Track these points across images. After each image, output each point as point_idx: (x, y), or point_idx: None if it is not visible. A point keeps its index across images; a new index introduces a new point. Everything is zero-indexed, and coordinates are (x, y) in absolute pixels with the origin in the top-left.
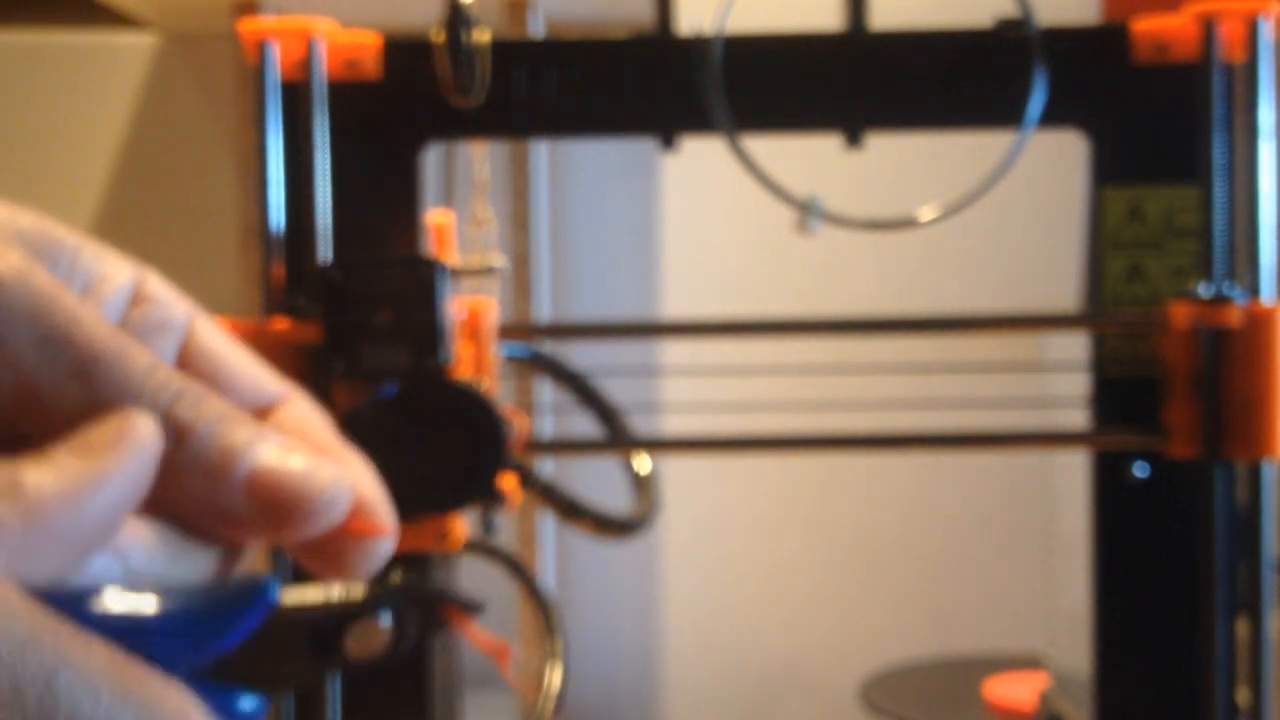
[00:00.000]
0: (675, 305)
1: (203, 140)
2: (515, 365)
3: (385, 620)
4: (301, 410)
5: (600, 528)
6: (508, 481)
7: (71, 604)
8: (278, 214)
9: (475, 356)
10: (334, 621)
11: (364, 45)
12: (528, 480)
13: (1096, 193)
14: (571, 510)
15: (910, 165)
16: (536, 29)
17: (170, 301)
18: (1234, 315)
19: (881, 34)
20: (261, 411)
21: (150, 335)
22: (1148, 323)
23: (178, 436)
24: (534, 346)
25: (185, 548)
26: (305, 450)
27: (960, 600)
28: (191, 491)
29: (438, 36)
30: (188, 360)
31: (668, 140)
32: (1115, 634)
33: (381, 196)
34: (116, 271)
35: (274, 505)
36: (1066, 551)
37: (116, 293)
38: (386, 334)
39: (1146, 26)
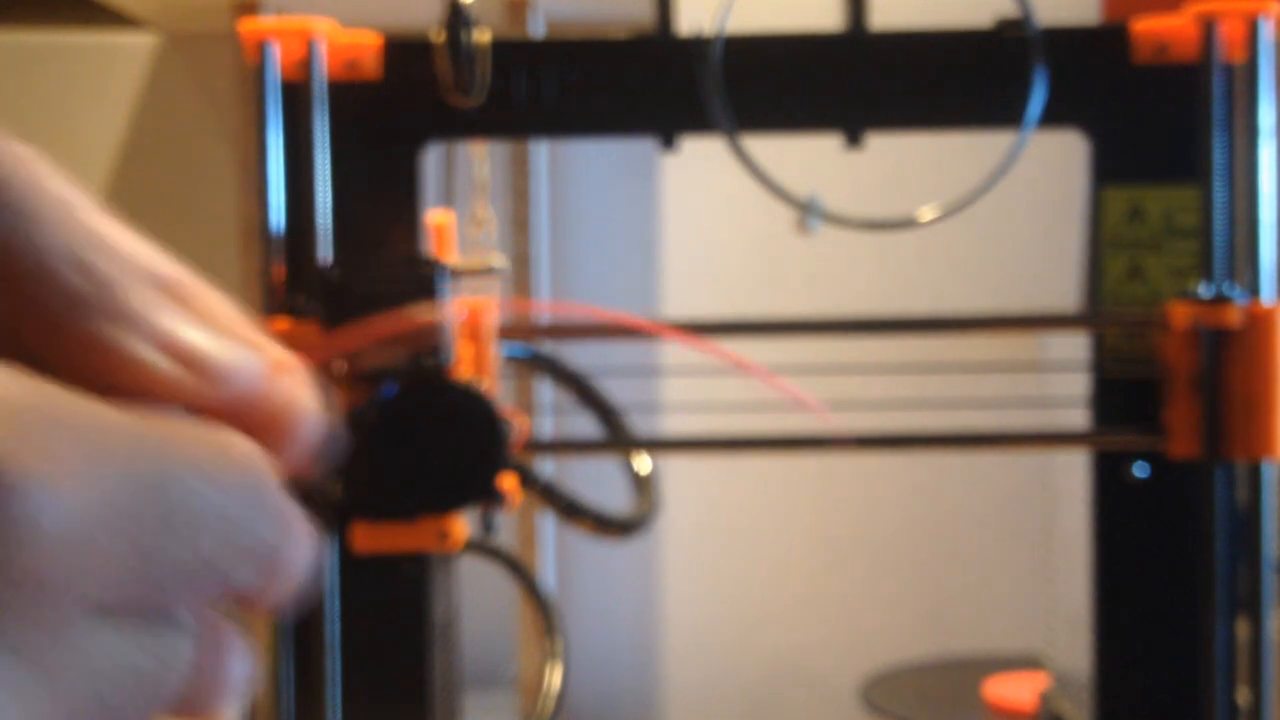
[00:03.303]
0: (675, 305)
1: (203, 140)
2: (515, 365)
3: None
4: (210, 293)
5: (600, 528)
6: (508, 481)
7: None
8: (278, 214)
9: (475, 356)
10: None
11: (364, 45)
12: (528, 480)
13: (1096, 193)
14: (571, 510)
15: (910, 165)
16: (536, 29)
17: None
18: (1234, 315)
19: (881, 34)
20: (168, 290)
21: None
22: (1148, 323)
23: (101, 285)
24: (534, 346)
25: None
26: (222, 330)
27: (960, 600)
28: (106, 345)
29: (438, 36)
30: None
31: (668, 140)
32: (1115, 634)
33: (381, 196)
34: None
35: (190, 363)
36: (1066, 551)
37: None
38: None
39: (1146, 26)
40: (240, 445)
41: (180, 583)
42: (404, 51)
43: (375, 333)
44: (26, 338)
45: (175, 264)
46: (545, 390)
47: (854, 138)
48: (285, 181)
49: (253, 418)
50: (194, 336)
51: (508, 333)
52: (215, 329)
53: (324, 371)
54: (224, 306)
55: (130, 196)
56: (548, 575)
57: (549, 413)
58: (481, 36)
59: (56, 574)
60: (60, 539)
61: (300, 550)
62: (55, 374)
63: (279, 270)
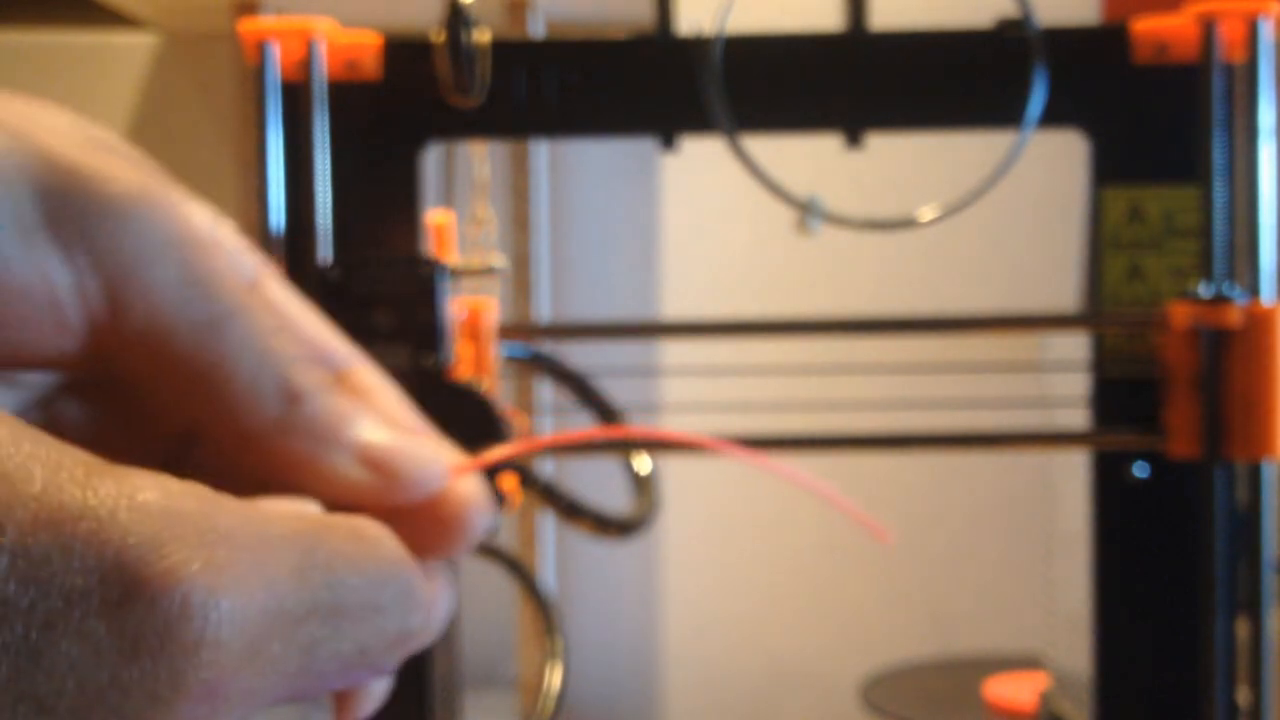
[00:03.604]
0: (675, 305)
1: (203, 140)
2: (515, 365)
3: None
4: (372, 377)
5: (600, 528)
6: (508, 481)
7: None
8: (278, 214)
9: (475, 356)
10: None
11: (364, 45)
12: (528, 480)
13: (1096, 193)
14: (571, 510)
15: (910, 165)
16: (536, 29)
17: (242, 250)
18: (1234, 315)
19: (881, 34)
20: (334, 373)
21: None
22: (1148, 323)
23: (291, 399)
24: (534, 346)
25: None
26: (404, 431)
27: (960, 600)
28: (299, 455)
29: (438, 36)
30: None
31: (668, 140)
32: (1115, 634)
33: (381, 196)
34: (196, 212)
35: (382, 470)
36: (1066, 551)
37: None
38: (386, 334)
39: (1146, 26)
40: (383, 535)
41: (338, 674)
42: (404, 51)
43: (548, 443)
44: (218, 439)
45: (341, 340)
46: (545, 390)
47: (854, 138)
48: (285, 181)
49: (431, 515)
50: (385, 442)
51: (508, 333)
52: (392, 424)
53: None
54: (387, 390)
55: None
56: (548, 575)
57: (549, 413)
58: (481, 36)
59: (232, 683)
60: (235, 649)
61: (437, 624)
62: (245, 473)
63: (279, 270)
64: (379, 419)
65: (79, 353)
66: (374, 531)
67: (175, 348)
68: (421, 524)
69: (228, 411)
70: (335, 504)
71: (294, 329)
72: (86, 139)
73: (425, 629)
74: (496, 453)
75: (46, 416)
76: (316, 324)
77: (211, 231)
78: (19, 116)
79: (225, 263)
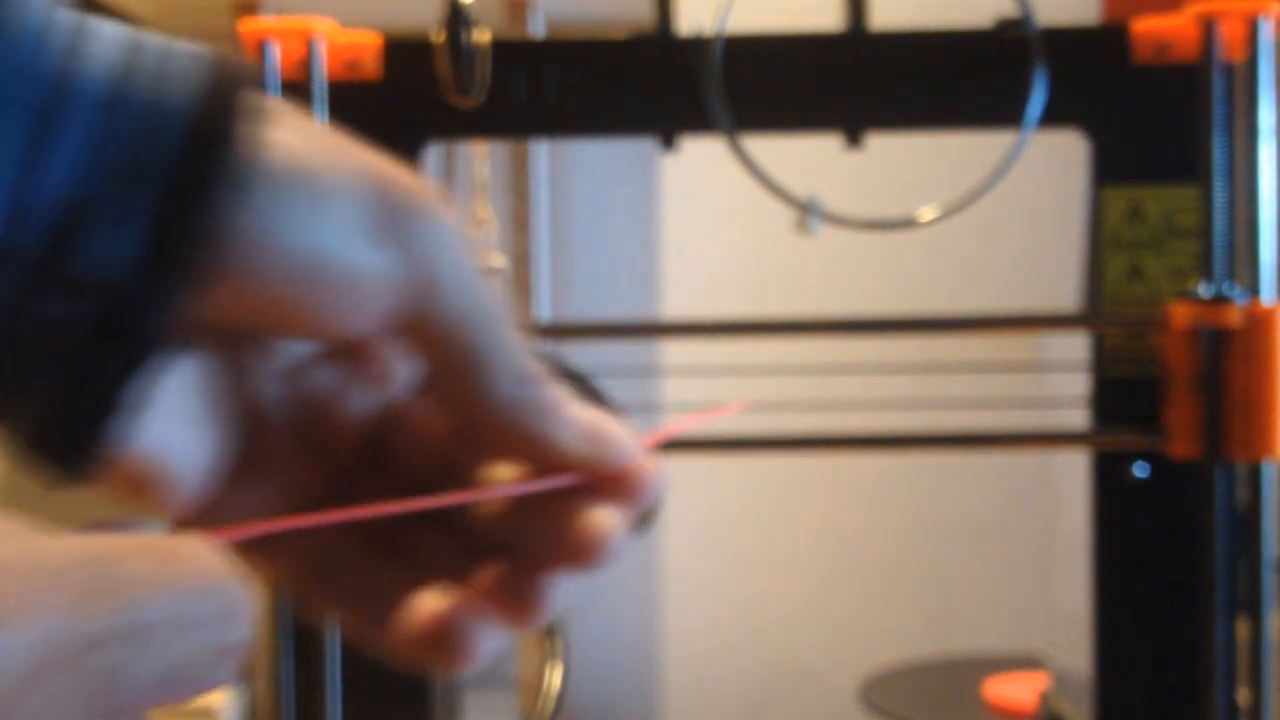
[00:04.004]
0: (675, 305)
1: None
2: None
3: None
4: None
5: None
6: None
7: None
8: None
9: None
10: None
11: (364, 45)
12: None
13: (1096, 193)
14: None
15: (910, 165)
16: (536, 29)
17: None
18: (1234, 315)
19: (881, 34)
20: None
21: None
22: (1148, 323)
23: (525, 383)
24: (534, 346)
25: None
26: (601, 413)
27: (960, 600)
28: (530, 429)
29: (438, 36)
30: None
31: (668, 140)
32: (1115, 634)
33: None
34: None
35: (595, 443)
36: (1066, 551)
37: None
38: None
39: (1146, 26)
40: (197, 552)
41: (153, 691)
42: (404, 51)
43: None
44: (463, 409)
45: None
46: None
47: (854, 138)
48: None
49: (624, 481)
50: (594, 421)
51: None
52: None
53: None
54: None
55: None
56: None
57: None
58: (481, 36)
59: (14, 712)
60: (10, 681)
61: (247, 632)
62: (470, 442)
63: None
64: (584, 406)
65: (372, 330)
66: (186, 549)
67: (451, 332)
68: (616, 486)
69: (478, 387)
70: (549, 470)
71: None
72: (378, 155)
73: (242, 639)
74: (670, 430)
75: (293, 384)
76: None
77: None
78: (340, 138)
79: (482, 264)
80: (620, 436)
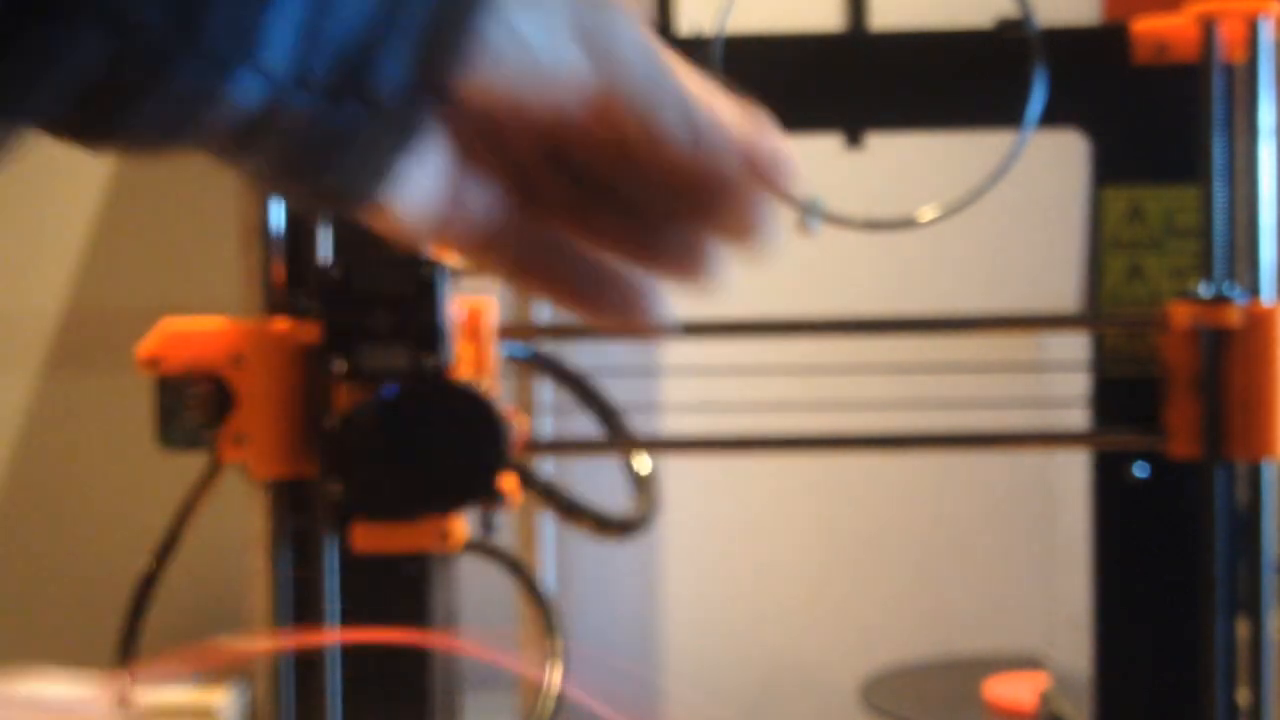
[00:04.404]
0: (675, 305)
1: None
2: (515, 365)
3: None
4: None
5: (600, 528)
6: (508, 481)
7: None
8: (278, 214)
9: (475, 356)
10: None
11: None
12: (528, 480)
13: (1096, 193)
14: (571, 510)
15: (910, 165)
16: None
17: None
18: (1234, 315)
19: (881, 34)
20: None
21: None
22: (1148, 323)
23: (698, 131)
24: (534, 346)
25: None
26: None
27: (960, 600)
28: (706, 166)
29: None
30: None
31: None
32: (1115, 634)
33: None
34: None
35: (755, 165)
36: (1066, 551)
37: None
38: (386, 334)
39: (1146, 26)
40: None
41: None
42: None
43: None
44: (653, 169)
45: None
46: (545, 390)
47: (854, 138)
48: None
49: (762, 155)
50: (750, 141)
51: (508, 333)
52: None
53: None
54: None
55: (130, 197)
56: (548, 575)
57: (549, 413)
58: None
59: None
60: None
61: (763, 147)
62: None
63: (279, 270)
64: (733, 124)
65: (578, 113)
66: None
67: (633, 101)
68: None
69: (654, 128)
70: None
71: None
72: None
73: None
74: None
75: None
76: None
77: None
78: None
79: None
80: (769, 146)
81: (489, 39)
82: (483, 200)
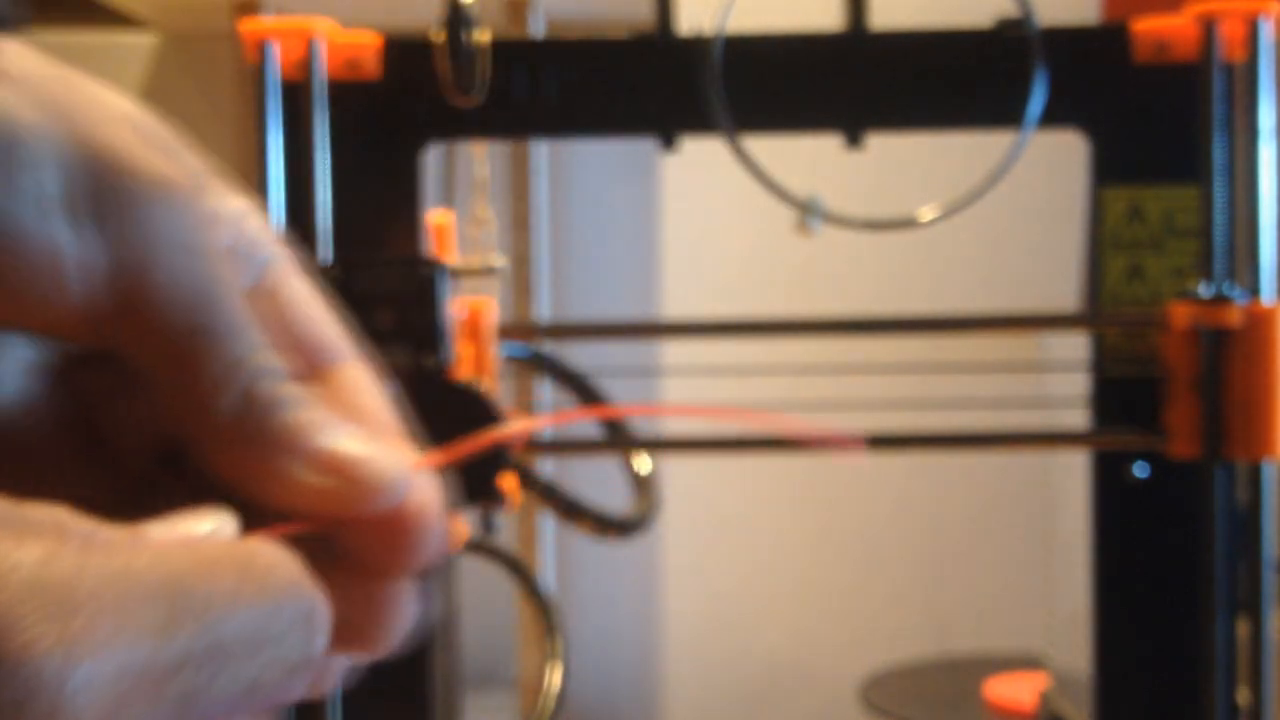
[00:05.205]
0: (675, 305)
1: (203, 140)
2: (515, 365)
3: None
4: (359, 377)
5: (600, 528)
6: (508, 481)
7: None
8: (278, 214)
9: (475, 356)
10: None
11: (364, 45)
12: (528, 480)
13: (1096, 193)
14: (571, 510)
15: (910, 165)
16: (536, 29)
17: (259, 241)
18: (1234, 315)
19: (881, 34)
20: (320, 370)
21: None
22: (1148, 323)
23: (250, 409)
24: (534, 346)
25: None
26: (371, 437)
27: (960, 600)
28: (258, 462)
29: (438, 36)
30: (255, 300)
31: (668, 140)
32: (1115, 634)
33: (381, 196)
34: (222, 209)
35: (340, 478)
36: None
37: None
38: (386, 334)
39: (1146, 26)
40: (276, 561)
41: (231, 711)
42: (404, 51)
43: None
44: (193, 439)
45: (340, 334)
46: (545, 390)
47: (854, 138)
48: (285, 181)
49: (392, 524)
50: (349, 450)
51: (508, 333)
52: (366, 430)
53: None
54: (370, 390)
55: None
56: (548, 575)
57: (549, 413)
58: (481, 36)
59: None
60: (92, 716)
61: (324, 641)
62: (219, 474)
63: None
64: (350, 429)
65: (77, 326)
66: (265, 559)
67: (162, 344)
68: (379, 534)
69: (197, 413)
70: (296, 512)
71: (291, 325)
72: (132, 126)
73: (321, 650)
74: (463, 448)
75: (60, 381)
76: (318, 318)
77: (230, 231)
78: (71, 95)
79: (229, 270)
80: (381, 474)
81: None
82: None
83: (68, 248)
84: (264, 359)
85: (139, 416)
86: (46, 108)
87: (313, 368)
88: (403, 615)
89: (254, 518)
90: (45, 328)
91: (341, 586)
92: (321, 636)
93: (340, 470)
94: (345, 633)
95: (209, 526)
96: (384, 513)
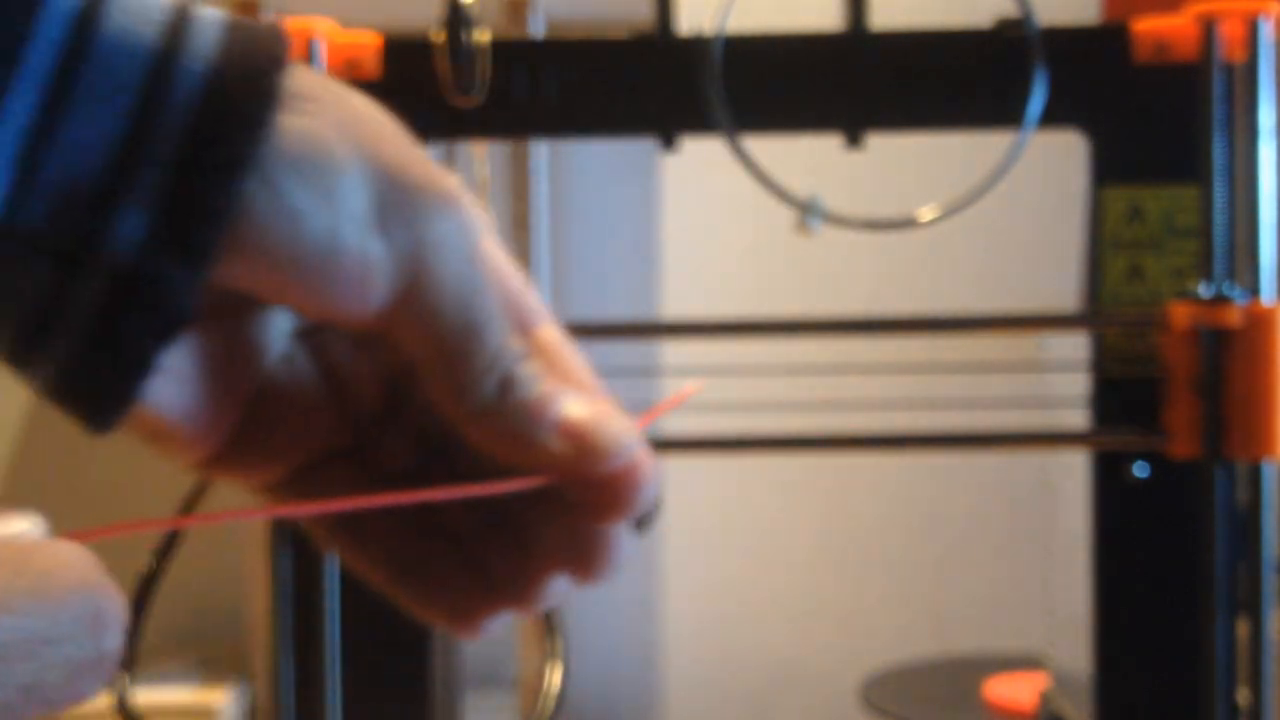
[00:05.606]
0: (675, 305)
1: None
2: None
3: None
4: (556, 336)
5: None
6: None
7: None
8: None
9: None
10: None
11: (364, 45)
12: None
13: (1096, 193)
14: None
15: (910, 165)
16: (536, 29)
17: (490, 232)
18: (1234, 315)
19: (881, 34)
20: (529, 333)
21: None
22: (1148, 323)
23: (506, 389)
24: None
25: None
26: (592, 401)
27: (960, 600)
28: (510, 432)
29: (438, 36)
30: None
31: (668, 140)
32: (1115, 634)
33: None
34: (479, 214)
35: (581, 444)
36: (1066, 551)
37: None
38: None
39: (1146, 26)
40: (60, 561)
41: (8, 711)
42: (404, 51)
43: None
44: (448, 412)
45: (531, 294)
46: None
47: (854, 138)
48: None
49: (615, 479)
50: (586, 420)
51: None
52: (570, 381)
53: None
54: (568, 349)
55: None
56: None
57: None
58: (481, 36)
59: None
60: None
61: (118, 641)
62: (468, 442)
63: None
64: (577, 396)
65: (369, 321)
66: (45, 562)
67: (435, 337)
68: (606, 487)
69: (453, 389)
70: (540, 472)
71: (508, 294)
72: (401, 139)
73: (111, 647)
74: (655, 411)
75: (307, 341)
76: (521, 282)
77: (486, 231)
78: (352, 112)
79: (491, 265)
80: (610, 438)
81: (252, 206)
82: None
83: (377, 258)
84: (514, 343)
85: (364, 371)
86: (342, 128)
87: (524, 331)
88: (621, 551)
89: (496, 472)
90: (347, 322)
91: (571, 529)
92: (113, 637)
93: (581, 438)
94: (575, 566)
95: (19, 529)
96: (612, 470)
